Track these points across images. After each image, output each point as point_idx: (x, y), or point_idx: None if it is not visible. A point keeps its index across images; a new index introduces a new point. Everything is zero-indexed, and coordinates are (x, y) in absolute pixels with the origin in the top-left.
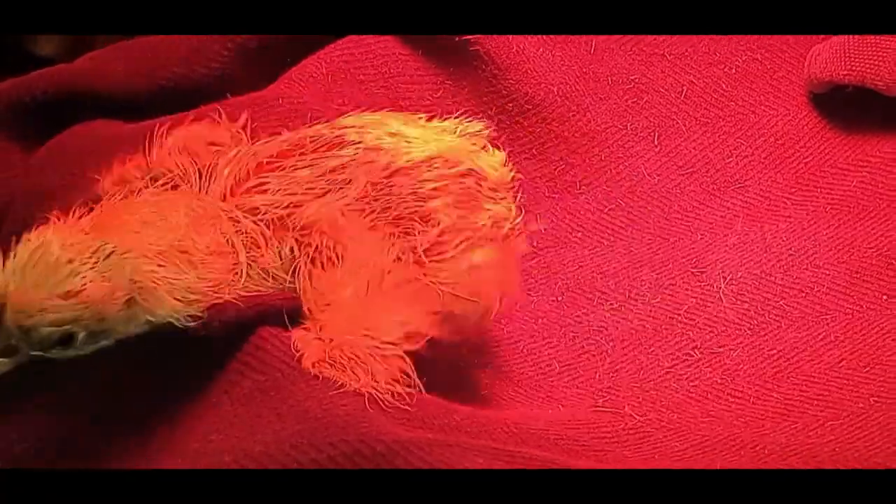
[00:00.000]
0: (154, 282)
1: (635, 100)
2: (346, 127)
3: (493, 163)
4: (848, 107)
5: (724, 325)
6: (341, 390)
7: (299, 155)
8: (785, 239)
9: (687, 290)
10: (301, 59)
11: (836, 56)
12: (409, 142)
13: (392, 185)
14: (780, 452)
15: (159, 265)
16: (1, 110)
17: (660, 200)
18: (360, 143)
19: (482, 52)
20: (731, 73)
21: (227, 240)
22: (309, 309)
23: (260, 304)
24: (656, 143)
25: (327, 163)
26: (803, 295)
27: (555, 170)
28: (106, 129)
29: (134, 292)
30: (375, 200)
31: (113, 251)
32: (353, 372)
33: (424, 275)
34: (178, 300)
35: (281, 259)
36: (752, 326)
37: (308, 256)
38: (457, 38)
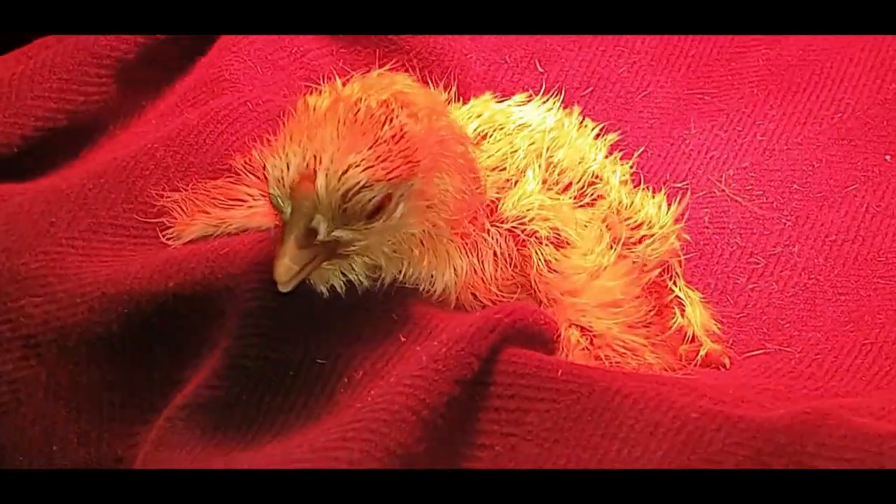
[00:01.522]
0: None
1: None
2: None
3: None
4: None
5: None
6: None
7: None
8: None
9: None
10: (187, 68)
11: None
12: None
13: (556, 160)
14: None
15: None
16: None
17: None
18: (502, 128)
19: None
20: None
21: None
22: (551, 296)
23: (496, 323)
24: None
25: (494, 149)
26: None
27: None
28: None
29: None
30: (556, 183)
31: (431, 113)
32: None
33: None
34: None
35: (497, 255)
36: None
37: (538, 242)
38: None
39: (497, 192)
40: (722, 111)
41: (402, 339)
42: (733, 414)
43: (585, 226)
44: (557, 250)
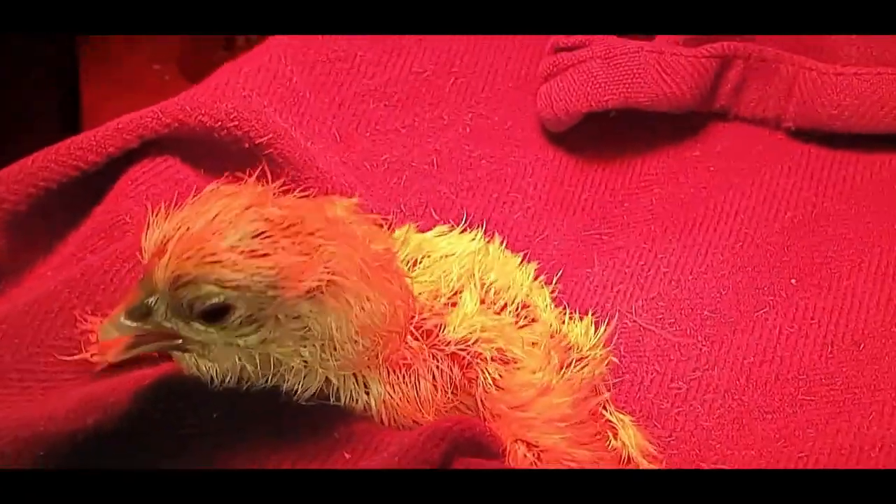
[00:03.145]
0: (347, 287)
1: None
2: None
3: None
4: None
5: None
6: None
7: None
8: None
9: None
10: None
11: (587, 85)
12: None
13: (489, 282)
14: None
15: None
16: None
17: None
18: (430, 255)
19: (276, 155)
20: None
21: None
22: (496, 411)
23: (445, 432)
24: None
25: (426, 276)
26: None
27: None
28: None
29: (323, 285)
30: (493, 303)
31: (317, 232)
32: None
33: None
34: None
35: (435, 378)
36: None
37: (485, 362)
38: (247, 145)
39: (435, 318)
40: (621, 248)
41: (347, 456)
42: None
43: (532, 344)
44: (504, 367)
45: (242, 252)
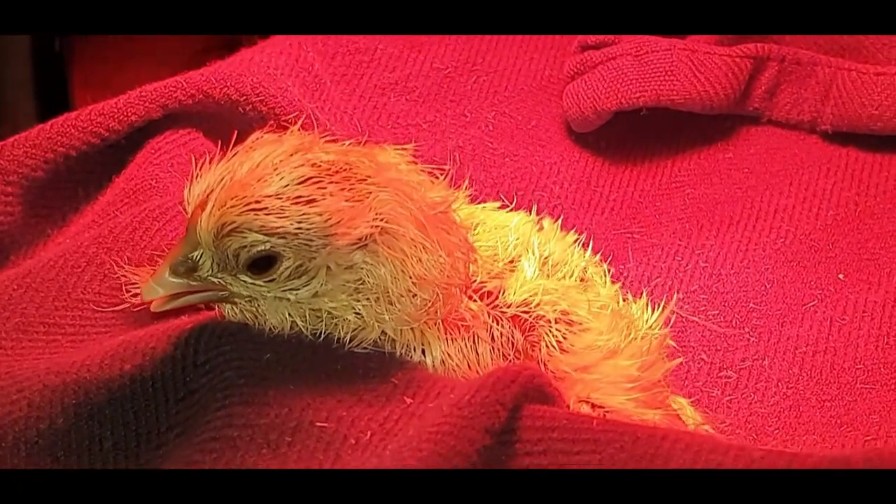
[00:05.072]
0: (401, 236)
1: None
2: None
3: None
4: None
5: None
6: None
7: None
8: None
9: None
10: (96, 195)
11: (617, 83)
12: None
13: (548, 253)
14: None
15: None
16: None
17: None
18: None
19: None
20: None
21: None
22: (559, 373)
23: (515, 375)
24: None
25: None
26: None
27: None
28: None
29: (376, 233)
30: (551, 275)
31: (368, 178)
32: None
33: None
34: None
35: (494, 340)
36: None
37: (549, 324)
38: (271, 123)
39: (494, 280)
40: (655, 245)
41: (409, 401)
42: (801, 453)
43: (599, 307)
44: (568, 329)
45: (288, 198)
